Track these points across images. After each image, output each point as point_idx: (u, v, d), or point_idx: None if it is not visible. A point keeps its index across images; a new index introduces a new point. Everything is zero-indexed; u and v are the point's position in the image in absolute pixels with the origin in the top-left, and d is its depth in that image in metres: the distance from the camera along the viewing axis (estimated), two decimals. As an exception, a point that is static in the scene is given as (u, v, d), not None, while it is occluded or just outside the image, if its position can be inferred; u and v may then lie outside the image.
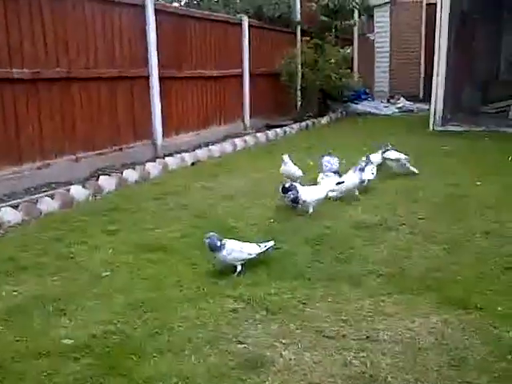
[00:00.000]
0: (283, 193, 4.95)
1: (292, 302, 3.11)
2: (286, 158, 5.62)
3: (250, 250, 3.55)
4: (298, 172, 5.65)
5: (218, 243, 3.47)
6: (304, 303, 3.09)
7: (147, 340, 2.71)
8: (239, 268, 3.51)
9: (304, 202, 4.70)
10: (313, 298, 3.15)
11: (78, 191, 5.38)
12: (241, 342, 2.68)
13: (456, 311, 2.93)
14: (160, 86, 7.44)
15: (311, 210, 4.76)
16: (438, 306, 3.00)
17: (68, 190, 5.33)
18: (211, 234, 3.52)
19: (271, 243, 3.64)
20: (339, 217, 4.73)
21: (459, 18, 11.17)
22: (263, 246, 3.60)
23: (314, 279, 3.41)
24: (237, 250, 3.50)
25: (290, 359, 2.52)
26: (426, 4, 15.10)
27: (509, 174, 6.23)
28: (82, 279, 3.49)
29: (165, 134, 7.67)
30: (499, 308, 2.94)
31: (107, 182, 5.76)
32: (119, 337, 2.75)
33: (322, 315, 2.94)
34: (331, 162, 5.74)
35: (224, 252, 3.47)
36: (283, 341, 2.69)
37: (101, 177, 5.87)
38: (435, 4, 10.60)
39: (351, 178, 5.24)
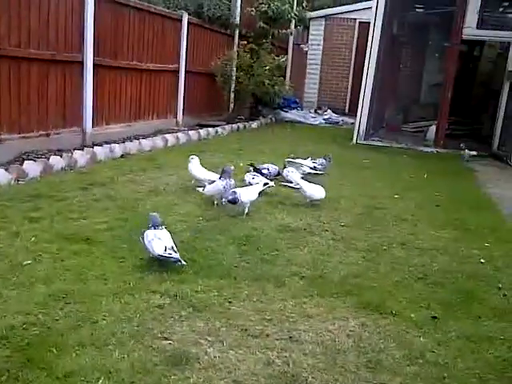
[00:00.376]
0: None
1: (218, 300, 3.16)
2: (193, 158, 5.63)
3: (154, 248, 3.46)
4: (205, 175, 5.55)
5: (150, 224, 3.59)
6: (230, 302, 3.15)
7: (69, 333, 2.64)
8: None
9: (241, 202, 4.77)
10: (238, 297, 3.21)
11: (0, 174, 5.10)
12: (166, 338, 2.69)
13: (373, 316, 3.12)
14: (94, 74, 7.21)
15: (247, 211, 4.84)
16: (356, 310, 3.17)
17: (-11, 173, 5.05)
18: (154, 214, 3.68)
19: (176, 256, 3.46)
20: (266, 219, 4.84)
21: (389, 39, 11.79)
22: (167, 254, 3.45)
23: (240, 278, 3.48)
24: (148, 238, 3.51)
25: (215, 357, 2.56)
26: (359, 22, 15.78)
27: (424, 189, 6.67)
28: (1, 267, 3.33)
29: (95, 123, 7.44)
30: (412, 315, 3.15)
31: (32, 168, 5.51)
32: (40, 328, 2.66)
33: (247, 314, 3.01)
34: (271, 168, 6.24)
35: (144, 233, 3.57)
36: (208, 338, 2.72)
37: (25, 161, 5.60)
38: (368, 23, 11.14)
39: (318, 191, 5.42)
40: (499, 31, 10.89)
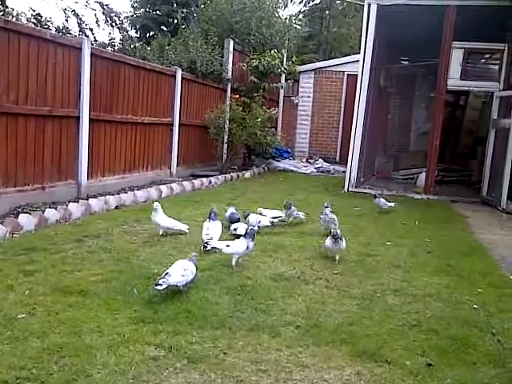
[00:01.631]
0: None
1: (213, 351, 3.15)
2: (157, 206, 5.75)
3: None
4: (170, 223, 5.78)
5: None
6: (225, 353, 3.14)
7: (63, 387, 2.63)
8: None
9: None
10: (234, 348, 3.21)
11: (-6, 228, 5.14)
12: (161, 391, 2.68)
13: (368, 364, 3.11)
14: (89, 128, 7.39)
15: (234, 262, 4.83)
16: (352, 359, 3.17)
17: (-16, 227, 5.08)
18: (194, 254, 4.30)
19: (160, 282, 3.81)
20: (260, 268, 4.86)
21: (377, 90, 12.17)
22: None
23: (235, 329, 3.48)
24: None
25: (210, 409, 2.56)
26: (347, 75, 16.31)
27: (415, 236, 6.72)
28: (-5, 321, 3.33)
29: (90, 176, 7.56)
30: (407, 362, 3.15)
31: (27, 221, 5.54)
32: (33, 383, 2.65)
33: (243, 365, 3.01)
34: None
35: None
36: (204, 390, 2.72)
37: (20, 214, 5.65)
38: (355, 75, 11.54)
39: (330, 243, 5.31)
40: (482, 82, 11.30)
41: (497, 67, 11.23)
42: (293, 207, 6.87)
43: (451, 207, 9.66)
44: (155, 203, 5.82)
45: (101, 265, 4.62)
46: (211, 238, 5.24)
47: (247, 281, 4.44)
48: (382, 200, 8.42)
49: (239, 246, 4.82)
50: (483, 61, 12.41)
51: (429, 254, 5.84)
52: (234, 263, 4.79)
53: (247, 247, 4.81)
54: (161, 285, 3.76)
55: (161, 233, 5.79)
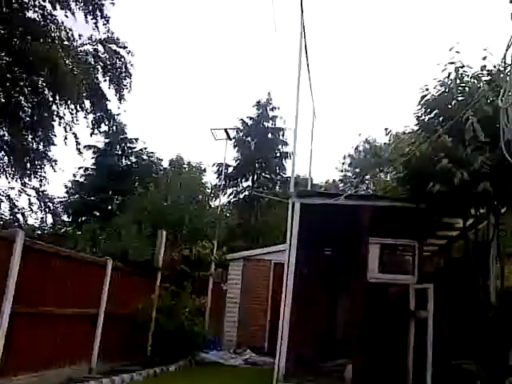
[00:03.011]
0: None
1: None
2: None
3: None
4: None
5: None
6: None
7: None
8: None
9: None
10: None
11: None
12: None
13: None
14: (9, 322, 7.05)
15: None
16: None
17: None
18: None
19: None
20: None
21: (303, 280, 12.68)
22: None
23: None
24: None
25: None
26: (274, 263, 16.94)
27: None
28: None
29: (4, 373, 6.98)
30: None
31: None
32: None
33: None
34: None
35: None
36: None
37: None
38: (282, 264, 12.07)
39: None
40: (399, 274, 12.13)
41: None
42: None
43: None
44: None
45: None
46: None
47: None
48: None
49: None
50: (399, 253, 13.46)
51: None
52: None
53: None
54: None
55: None
